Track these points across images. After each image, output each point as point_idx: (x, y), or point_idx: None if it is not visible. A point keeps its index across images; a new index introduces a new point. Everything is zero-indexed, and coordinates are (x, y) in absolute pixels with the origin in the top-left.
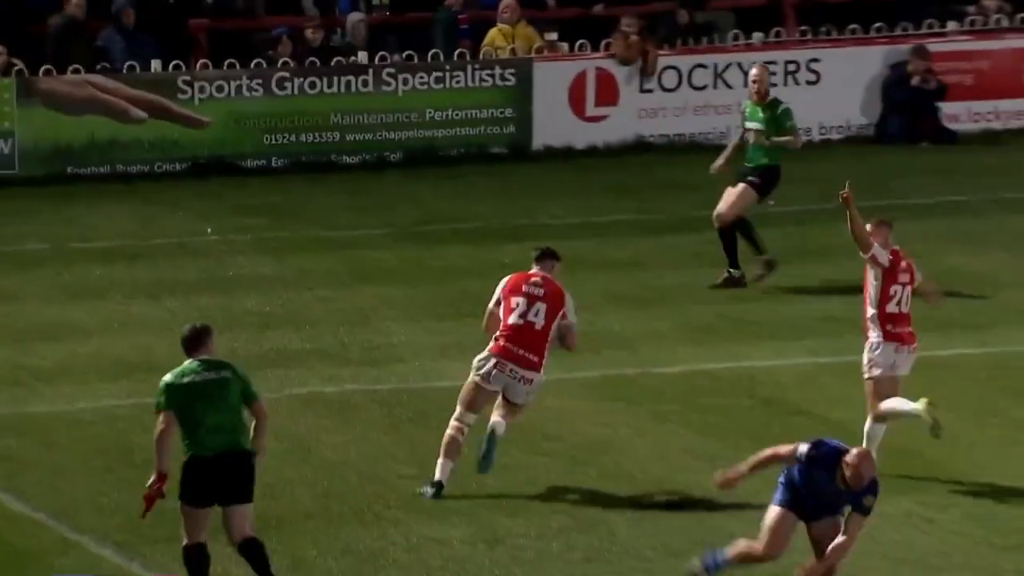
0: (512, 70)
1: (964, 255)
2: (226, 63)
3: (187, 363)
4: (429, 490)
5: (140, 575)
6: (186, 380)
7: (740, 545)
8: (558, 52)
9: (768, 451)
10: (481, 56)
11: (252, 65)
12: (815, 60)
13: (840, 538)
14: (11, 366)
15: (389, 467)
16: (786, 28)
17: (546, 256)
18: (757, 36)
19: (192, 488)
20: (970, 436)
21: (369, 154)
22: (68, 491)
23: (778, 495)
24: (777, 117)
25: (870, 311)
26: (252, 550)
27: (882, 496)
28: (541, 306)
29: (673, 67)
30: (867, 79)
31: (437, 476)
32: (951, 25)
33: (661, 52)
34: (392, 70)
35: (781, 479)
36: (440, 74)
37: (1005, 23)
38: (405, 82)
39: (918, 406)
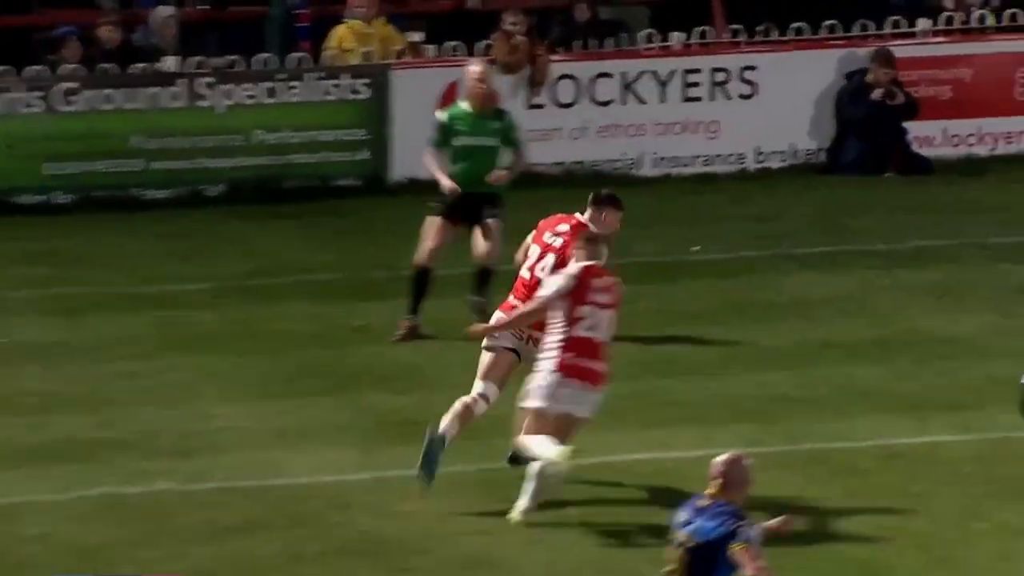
0: (365, 80)
1: (940, 315)
2: None
3: None
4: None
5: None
6: None
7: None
8: (423, 56)
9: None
10: (324, 61)
11: (29, 73)
12: (750, 68)
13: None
14: None
15: None
16: (714, 26)
17: (604, 202)
18: (677, 37)
19: None
20: (951, 547)
21: (183, 188)
22: None
23: None
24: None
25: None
26: None
27: None
28: (551, 258)
29: (570, 76)
30: (816, 92)
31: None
32: (922, 24)
33: (554, 57)
34: (210, 80)
35: None
36: (272, 85)
37: (990, 21)
38: (227, 95)
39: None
